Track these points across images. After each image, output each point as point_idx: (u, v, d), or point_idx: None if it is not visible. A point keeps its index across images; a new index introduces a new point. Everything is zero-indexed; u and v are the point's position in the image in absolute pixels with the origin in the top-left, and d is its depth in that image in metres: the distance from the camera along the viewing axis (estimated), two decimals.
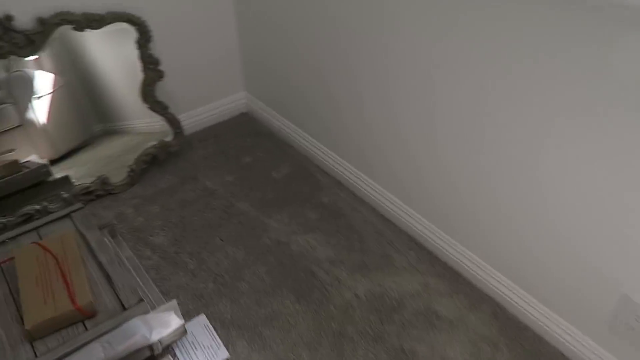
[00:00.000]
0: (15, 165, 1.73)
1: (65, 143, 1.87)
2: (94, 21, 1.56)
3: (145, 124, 1.94)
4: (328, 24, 1.56)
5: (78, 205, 1.42)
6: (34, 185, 1.77)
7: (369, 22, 1.41)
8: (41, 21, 1.48)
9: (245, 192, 1.81)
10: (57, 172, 1.80)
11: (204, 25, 1.93)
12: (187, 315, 1.37)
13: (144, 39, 1.69)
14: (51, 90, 1.76)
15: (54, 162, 1.81)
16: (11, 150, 1.78)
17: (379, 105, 1.52)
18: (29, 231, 1.35)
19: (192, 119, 2.07)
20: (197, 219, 1.70)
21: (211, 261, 1.55)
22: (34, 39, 1.47)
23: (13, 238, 1.33)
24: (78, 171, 1.86)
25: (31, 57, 1.55)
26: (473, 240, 1.44)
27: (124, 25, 1.65)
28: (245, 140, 2.07)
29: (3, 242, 1.31)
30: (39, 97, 1.75)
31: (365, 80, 1.53)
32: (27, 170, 1.75)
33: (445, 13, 1.20)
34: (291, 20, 1.71)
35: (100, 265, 1.23)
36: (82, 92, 1.85)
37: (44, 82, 1.74)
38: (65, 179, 1.85)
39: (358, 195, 1.79)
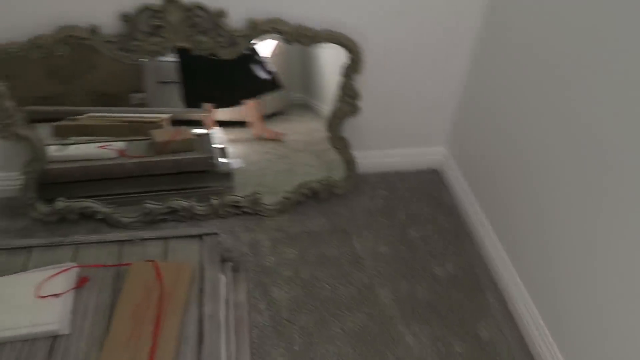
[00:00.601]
0: (189, 144, 1.72)
1: (263, 108, 1.82)
2: (306, 37, 1.36)
3: None
4: (581, 127, 1.11)
5: (212, 230, 1.32)
6: (197, 171, 1.75)
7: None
8: (252, 24, 1.32)
9: (393, 277, 1.49)
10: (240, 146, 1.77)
11: (427, 65, 1.60)
12: None
13: (352, 69, 1.44)
14: (269, 56, 1.66)
15: (246, 123, 1.81)
16: (209, 111, 1.78)
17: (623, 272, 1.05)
18: (159, 239, 1.30)
19: (372, 159, 1.80)
20: (327, 288, 1.45)
21: (319, 352, 1.29)
22: (238, 41, 1.32)
23: (142, 240, 1.28)
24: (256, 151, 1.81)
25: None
26: None
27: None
28: (421, 206, 1.74)
29: (131, 240, 1.28)
30: None
31: (611, 222, 1.06)
32: (196, 157, 1.72)
33: None
34: (535, 97, 1.29)
35: (200, 317, 1.10)
36: (297, 63, 1.75)
37: (266, 46, 1.64)
38: (228, 175, 1.78)
39: (529, 348, 1.34)
